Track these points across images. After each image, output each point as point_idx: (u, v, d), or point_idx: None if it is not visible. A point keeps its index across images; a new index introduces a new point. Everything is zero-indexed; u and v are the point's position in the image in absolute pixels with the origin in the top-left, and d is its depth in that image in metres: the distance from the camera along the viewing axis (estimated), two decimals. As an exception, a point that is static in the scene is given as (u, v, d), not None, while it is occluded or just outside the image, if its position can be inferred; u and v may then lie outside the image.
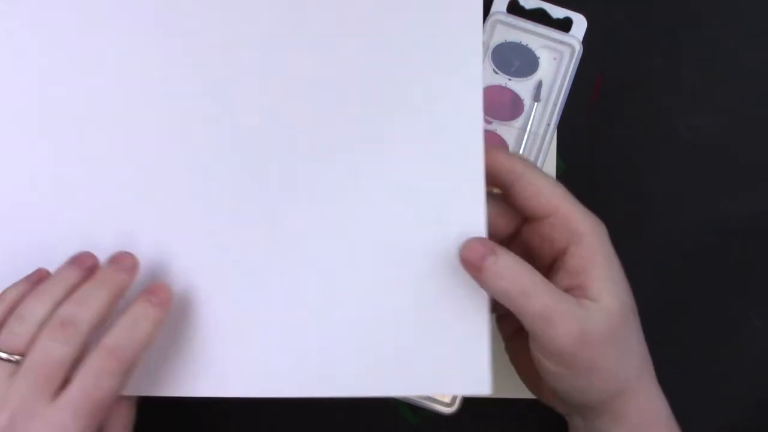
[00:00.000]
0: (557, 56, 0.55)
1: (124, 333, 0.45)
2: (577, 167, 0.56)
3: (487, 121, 0.55)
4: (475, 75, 0.47)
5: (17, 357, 0.43)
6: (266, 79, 0.49)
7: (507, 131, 0.55)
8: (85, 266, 0.46)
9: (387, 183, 0.48)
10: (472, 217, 0.47)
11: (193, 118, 0.50)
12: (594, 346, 0.44)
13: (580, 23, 0.55)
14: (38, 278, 0.47)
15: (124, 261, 0.47)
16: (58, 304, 0.45)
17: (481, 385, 0.47)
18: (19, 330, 0.44)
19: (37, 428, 0.42)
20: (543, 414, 0.55)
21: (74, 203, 0.49)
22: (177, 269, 0.49)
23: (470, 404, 0.57)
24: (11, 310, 0.45)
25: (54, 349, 0.43)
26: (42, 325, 0.44)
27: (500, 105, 0.55)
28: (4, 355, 0.43)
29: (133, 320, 0.45)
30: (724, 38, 0.57)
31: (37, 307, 0.45)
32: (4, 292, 0.46)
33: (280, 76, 0.49)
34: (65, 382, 0.43)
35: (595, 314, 0.44)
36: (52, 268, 0.47)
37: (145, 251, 0.48)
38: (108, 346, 0.44)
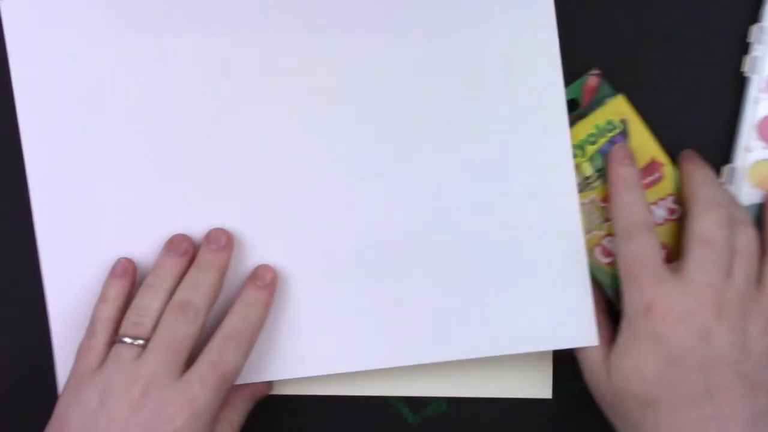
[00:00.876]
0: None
1: (239, 318, 0.50)
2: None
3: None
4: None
5: (141, 341, 0.49)
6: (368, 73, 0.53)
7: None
8: (181, 250, 0.52)
9: (486, 167, 0.53)
10: (565, 187, 0.52)
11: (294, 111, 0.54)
12: None
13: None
14: (123, 270, 0.52)
15: (219, 239, 0.52)
16: (170, 293, 0.50)
17: (589, 337, 0.51)
18: (140, 320, 0.49)
19: (168, 398, 0.47)
20: (540, 414, 0.57)
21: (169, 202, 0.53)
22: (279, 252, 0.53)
23: (467, 404, 0.57)
24: (121, 306, 0.51)
25: (179, 329, 0.49)
26: (161, 313, 0.49)
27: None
28: (128, 340, 0.49)
29: (245, 305, 0.51)
30: (724, 38, 0.58)
31: (152, 300, 0.50)
32: (103, 292, 0.51)
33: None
34: (190, 361, 0.49)
35: None
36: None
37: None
38: (226, 330, 0.49)
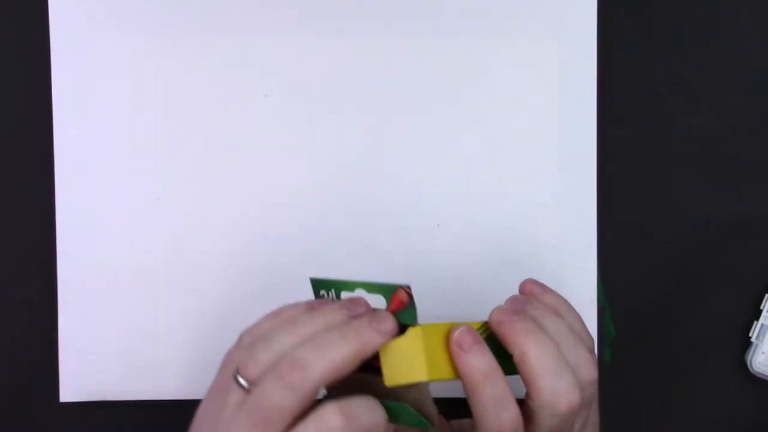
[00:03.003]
0: None
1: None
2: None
3: None
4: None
5: (249, 386, 0.41)
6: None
7: None
8: (353, 312, 0.43)
9: None
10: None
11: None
12: None
13: None
14: (312, 306, 0.44)
15: (384, 322, 0.42)
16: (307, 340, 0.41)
17: None
18: (260, 356, 0.41)
19: None
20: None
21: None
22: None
23: (465, 403, 0.57)
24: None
25: (275, 394, 0.39)
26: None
27: None
28: (242, 381, 0.41)
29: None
30: (724, 37, 0.58)
31: (285, 337, 0.41)
32: (282, 309, 0.44)
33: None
34: (292, 424, 0.40)
35: None
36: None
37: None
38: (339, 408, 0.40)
